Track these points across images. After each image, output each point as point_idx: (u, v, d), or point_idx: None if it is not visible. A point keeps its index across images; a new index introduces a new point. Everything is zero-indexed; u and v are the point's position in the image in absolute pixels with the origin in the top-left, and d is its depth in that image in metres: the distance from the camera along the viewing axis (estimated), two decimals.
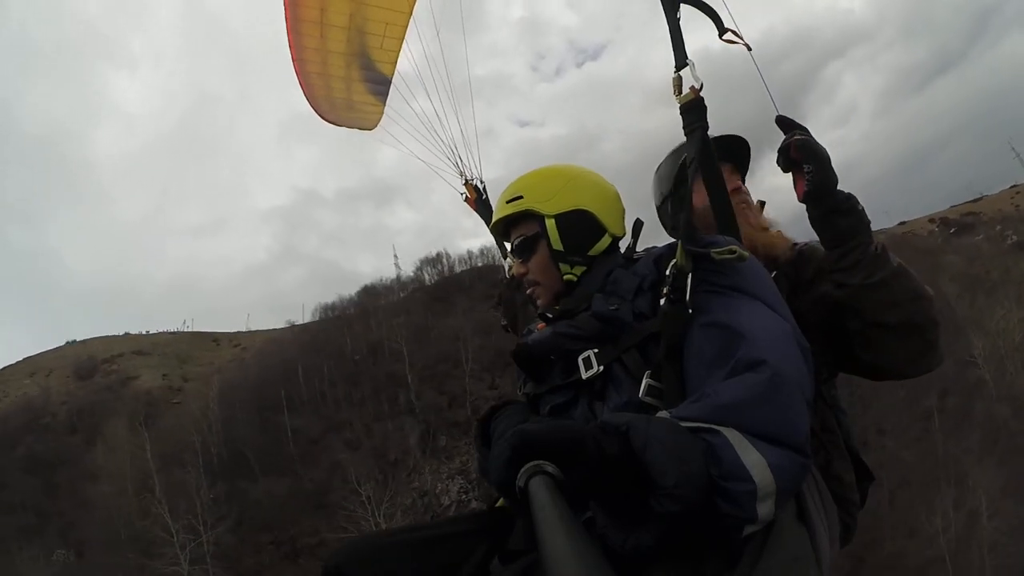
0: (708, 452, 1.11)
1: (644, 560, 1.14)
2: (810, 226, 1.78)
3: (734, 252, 1.39)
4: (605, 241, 1.71)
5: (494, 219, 1.80)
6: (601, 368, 1.48)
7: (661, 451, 1.06)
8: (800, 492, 1.33)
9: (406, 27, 3.94)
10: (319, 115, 4.13)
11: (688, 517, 1.07)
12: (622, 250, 1.75)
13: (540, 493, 0.90)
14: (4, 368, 76.60)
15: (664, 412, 1.22)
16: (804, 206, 1.74)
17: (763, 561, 1.18)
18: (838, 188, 1.67)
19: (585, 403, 1.51)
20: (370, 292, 73.39)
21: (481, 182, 3.48)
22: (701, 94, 1.72)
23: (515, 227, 1.77)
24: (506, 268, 2.58)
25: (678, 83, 1.75)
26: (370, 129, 4.21)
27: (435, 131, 3.58)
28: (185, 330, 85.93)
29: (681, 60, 1.76)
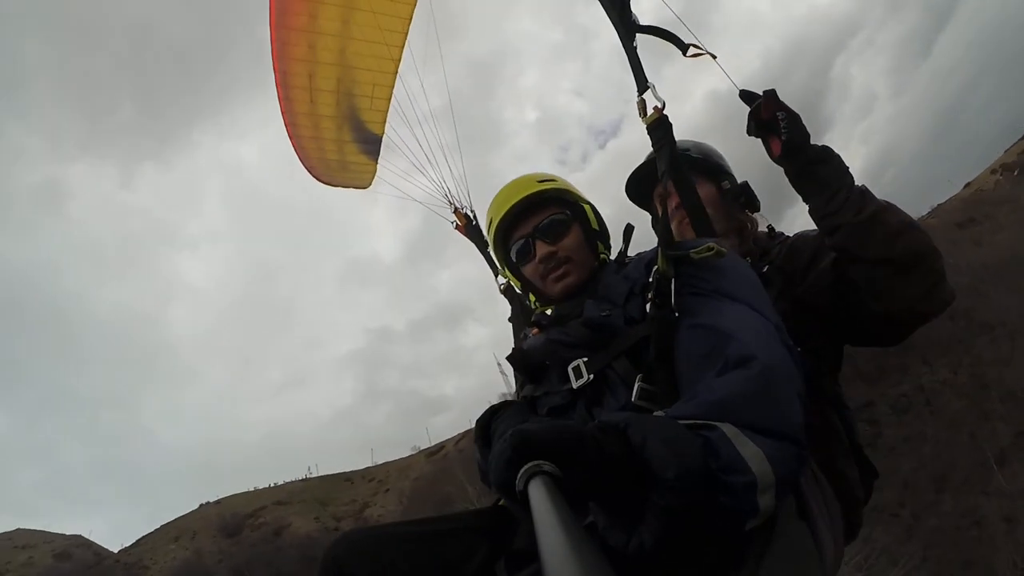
0: (706, 447, 1.11)
1: (646, 560, 1.09)
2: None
3: (712, 249, 1.43)
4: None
5: (520, 196, 1.73)
6: (591, 376, 1.48)
7: (660, 446, 1.05)
8: (800, 490, 1.33)
9: (393, 87, 4.08)
10: (314, 177, 4.23)
11: (689, 512, 1.04)
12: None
13: (540, 493, 0.89)
14: (143, 537, 78.57)
15: (659, 413, 1.22)
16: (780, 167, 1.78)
17: (767, 560, 1.16)
18: (811, 142, 1.70)
19: (583, 406, 1.50)
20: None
21: (471, 210, 3.60)
22: (665, 112, 1.81)
23: (540, 211, 1.74)
24: (499, 282, 2.73)
25: (642, 106, 1.85)
26: (365, 187, 4.25)
27: (424, 169, 3.70)
28: (312, 476, 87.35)
29: (642, 84, 1.86)
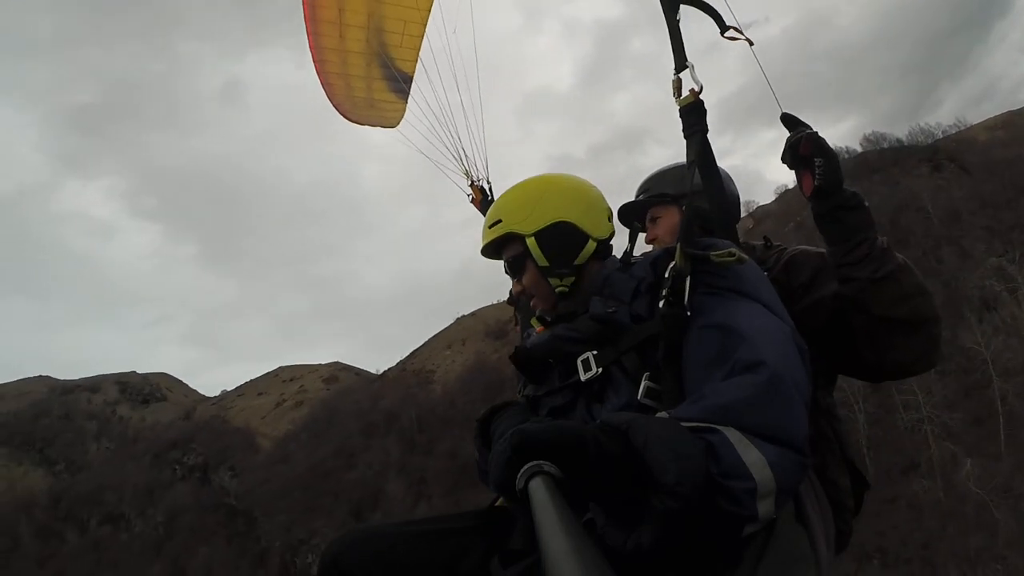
0: (708, 451, 1.11)
1: (644, 561, 1.12)
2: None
3: (733, 255, 1.40)
4: (590, 247, 1.69)
5: (483, 245, 1.77)
6: (600, 370, 1.48)
7: (662, 449, 1.06)
8: (798, 494, 1.34)
9: (425, 24, 3.94)
10: (341, 114, 4.19)
11: (689, 515, 1.06)
12: (615, 249, 1.75)
13: (540, 493, 0.91)
14: (414, 352, 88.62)
15: (663, 413, 1.23)
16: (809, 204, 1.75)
17: (764, 561, 1.19)
18: (844, 186, 1.68)
19: (584, 405, 1.52)
20: None
21: (488, 183, 3.48)
22: (701, 96, 1.72)
23: (503, 249, 1.75)
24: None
25: (678, 85, 1.76)
26: (393, 127, 4.20)
27: (442, 134, 3.58)
28: None
29: (680, 62, 1.77)
